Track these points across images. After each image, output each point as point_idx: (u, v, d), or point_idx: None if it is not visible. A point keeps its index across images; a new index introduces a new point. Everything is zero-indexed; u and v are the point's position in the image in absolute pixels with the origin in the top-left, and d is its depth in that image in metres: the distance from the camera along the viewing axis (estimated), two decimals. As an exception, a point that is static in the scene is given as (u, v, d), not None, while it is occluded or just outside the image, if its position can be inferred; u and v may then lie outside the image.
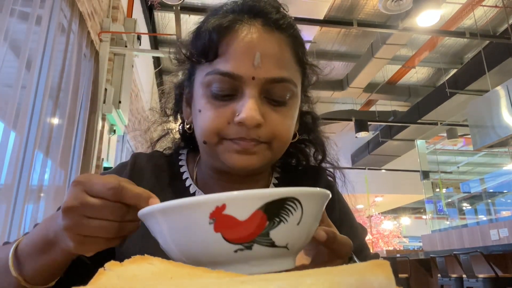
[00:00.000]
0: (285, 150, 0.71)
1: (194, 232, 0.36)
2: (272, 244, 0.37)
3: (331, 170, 0.75)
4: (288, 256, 0.40)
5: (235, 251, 0.36)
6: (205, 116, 0.58)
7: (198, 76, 0.61)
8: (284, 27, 0.59)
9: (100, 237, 0.42)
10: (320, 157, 0.74)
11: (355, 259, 0.52)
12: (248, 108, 0.54)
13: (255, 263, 0.37)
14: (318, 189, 0.40)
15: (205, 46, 0.58)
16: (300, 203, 0.37)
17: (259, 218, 0.36)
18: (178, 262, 0.38)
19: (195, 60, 0.62)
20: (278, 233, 0.37)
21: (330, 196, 0.43)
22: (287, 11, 0.63)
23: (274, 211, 0.36)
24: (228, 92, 0.57)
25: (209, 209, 0.35)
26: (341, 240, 0.45)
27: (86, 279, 0.29)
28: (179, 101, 0.70)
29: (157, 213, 0.38)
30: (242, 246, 0.36)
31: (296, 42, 0.61)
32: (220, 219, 0.35)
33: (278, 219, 0.36)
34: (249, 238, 0.36)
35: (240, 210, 0.35)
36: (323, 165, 0.75)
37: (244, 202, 0.36)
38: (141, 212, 0.39)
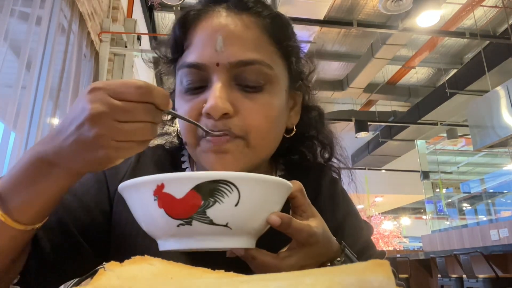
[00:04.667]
0: (291, 147, 0.67)
1: (145, 207, 0.42)
2: (211, 222, 0.40)
3: (336, 167, 0.72)
4: (234, 235, 0.42)
5: (178, 226, 0.40)
6: (180, 113, 0.56)
7: (176, 74, 0.59)
8: (251, 6, 0.56)
9: (135, 142, 0.41)
10: (327, 155, 0.71)
11: (347, 251, 0.52)
12: (212, 96, 0.51)
13: (199, 238, 0.41)
14: (258, 175, 0.42)
15: (173, 42, 0.57)
16: (235, 186, 0.40)
17: (193, 197, 0.39)
18: (148, 234, 0.45)
19: (167, 58, 0.61)
20: (215, 212, 0.40)
21: (287, 183, 0.45)
22: None
23: (208, 192, 0.39)
24: (198, 84, 0.54)
25: (152, 187, 0.40)
26: (297, 226, 0.45)
27: (85, 269, 0.29)
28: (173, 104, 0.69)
29: (122, 190, 0.44)
30: (183, 222, 0.40)
31: (271, 22, 0.56)
32: (161, 197, 0.40)
33: (212, 199, 0.40)
34: (187, 214, 0.40)
35: (176, 189, 0.40)
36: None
37: (178, 182, 0.40)
38: (118, 188, 0.44)
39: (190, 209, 0.40)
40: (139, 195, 0.42)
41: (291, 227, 0.44)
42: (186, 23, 0.56)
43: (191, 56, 0.54)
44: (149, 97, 0.40)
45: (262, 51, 0.54)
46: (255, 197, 0.42)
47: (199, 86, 0.54)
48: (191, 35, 0.56)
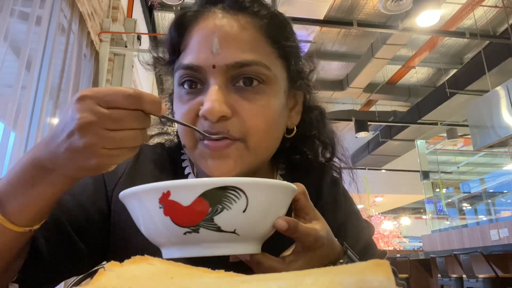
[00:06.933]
0: (292, 146, 0.67)
1: (149, 215, 0.41)
2: (219, 229, 0.40)
3: (338, 167, 0.72)
4: (242, 241, 0.42)
5: (184, 234, 0.40)
6: (177, 116, 0.56)
7: (174, 76, 0.59)
8: (247, 6, 0.55)
9: (126, 147, 0.41)
10: (328, 154, 0.70)
11: (350, 253, 0.52)
12: (208, 99, 0.51)
13: (206, 245, 0.41)
14: (266, 180, 0.42)
15: (170, 44, 0.57)
16: (243, 191, 0.39)
17: (201, 204, 0.39)
18: (152, 242, 0.44)
19: (165, 61, 0.61)
20: (222, 219, 0.39)
21: (293, 187, 0.45)
22: None
23: (216, 198, 0.39)
24: (196, 86, 0.54)
25: (157, 195, 0.39)
26: (304, 230, 0.45)
27: (82, 269, 0.29)
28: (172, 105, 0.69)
29: (124, 197, 0.43)
30: (190, 229, 0.39)
31: (268, 22, 0.56)
32: (167, 204, 0.39)
33: (220, 206, 0.39)
34: (194, 222, 0.39)
35: (183, 196, 0.39)
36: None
37: (185, 189, 0.39)
38: (120, 196, 0.43)
39: (198, 216, 0.39)
40: (143, 203, 0.41)
41: (297, 231, 0.44)
42: (182, 24, 0.56)
43: (188, 58, 0.54)
44: (138, 104, 0.40)
45: (259, 51, 0.54)
46: (263, 203, 0.41)
47: (196, 88, 0.54)
48: (188, 37, 0.55)
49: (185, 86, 0.55)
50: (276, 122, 0.56)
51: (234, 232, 0.40)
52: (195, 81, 0.54)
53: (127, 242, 0.57)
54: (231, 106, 0.52)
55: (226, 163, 0.52)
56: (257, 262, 0.45)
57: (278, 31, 0.57)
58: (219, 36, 0.52)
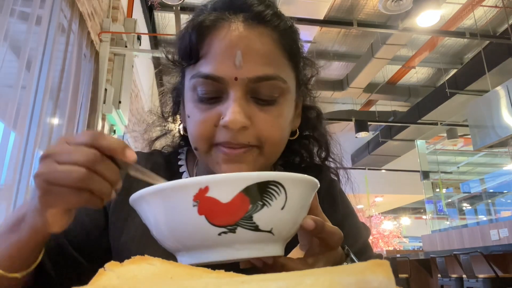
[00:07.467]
0: (288, 147, 0.67)
1: (180, 214, 0.37)
2: (256, 228, 0.37)
3: (334, 168, 0.73)
4: (274, 242, 0.40)
5: (219, 234, 0.36)
6: (193, 122, 0.56)
7: (186, 79, 0.59)
8: (268, 19, 0.56)
9: (66, 188, 0.38)
10: (323, 154, 0.71)
11: (352, 256, 0.52)
12: (231, 111, 0.52)
13: (239, 247, 0.38)
14: (302, 175, 0.40)
15: (187, 49, 0.57)
16: (283, 187, 0.37)
17: (241, 200, 0.36)
18: (168, 248, 0.40)
19: (179, 64, 0.61)
20: (261, 217, 0.37)
21: (318, 185, 0.43)
22: (272, 2, 0.59)
23: (257, 194, 0.36)
24: (213, 94, 0.55)
25: (193, 191, 0.36)
26: (330, 229, 0.44)
27: (84, 280, 0.29)
28: (176, 103, 0.69)
29: (146, 196, 0.38)
30: (226, 229, 0.36)
31: (284, 35, 0.57)
32: (203, 202, 0.36)
33: (261, 203, 0.36)
34: (232, 221, 0.36)
35: (223, 192, 0.36)
36: (327, 163, 0.72)
37: (226, 184, 0.36)
38: (132, 198, 0.40)
39: (237, 214, 0.36)
40: (173, 202, 0.37)
41: (324, 230, 0.44)
42: (203, 30, 0.55)
43: (208, 67, 0.54)
44: (95, 141, 0.39)
45: (277, 65, 0.55)
46: (299, 199, 0.39)
47: (213, 97, 0.55)
48: (208, 44, 0.55)
49: (203, 94, 0.55)
50: (287, 129, 0.59)
51: (270, 231, 0.38)
52: (214, 90, 0.55)
53: (126, 252, 0.58)
54: (249, 117, 0.53)
55: (240, 167, 0.54)
56: (281, 265, 0.44)
57: (292, 44, 0.58)
58: (241, 49, 0.53)
